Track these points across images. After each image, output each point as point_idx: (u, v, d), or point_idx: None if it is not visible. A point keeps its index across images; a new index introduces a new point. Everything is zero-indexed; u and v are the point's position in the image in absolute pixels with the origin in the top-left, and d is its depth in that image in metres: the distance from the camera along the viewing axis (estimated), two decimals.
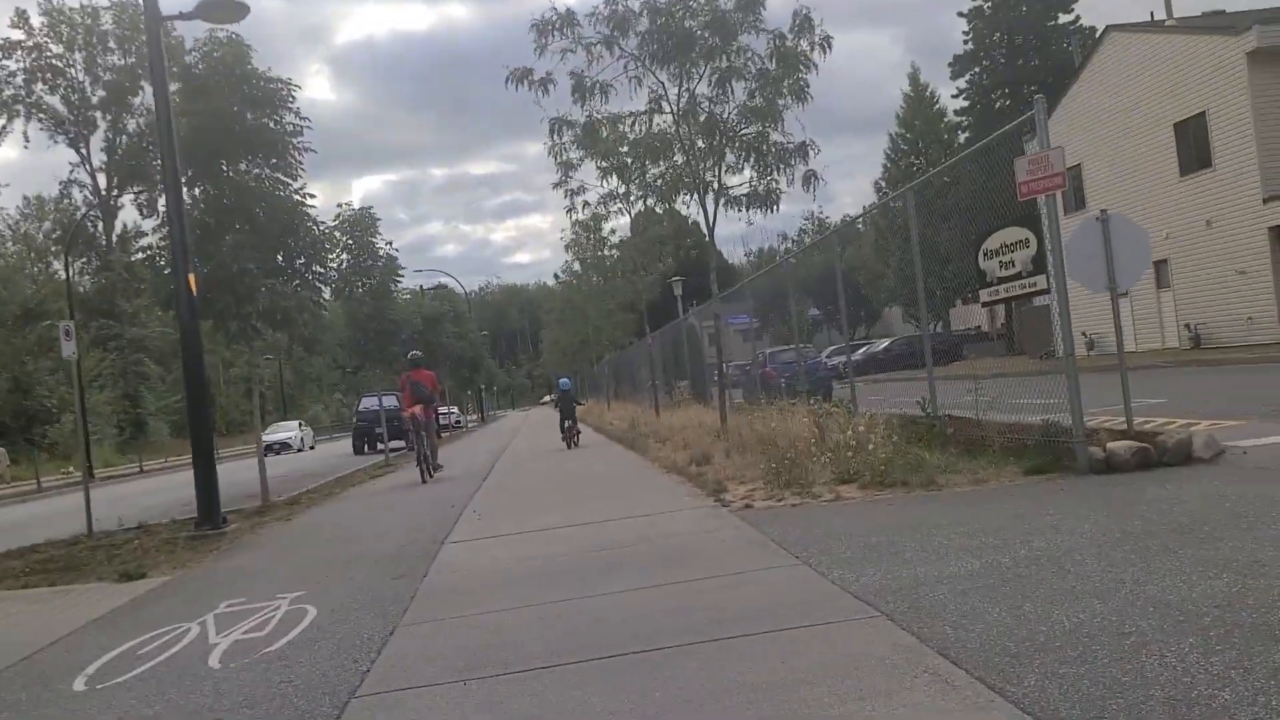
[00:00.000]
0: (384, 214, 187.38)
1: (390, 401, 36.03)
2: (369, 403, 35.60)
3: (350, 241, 22.47)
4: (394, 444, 35.25)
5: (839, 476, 8.78)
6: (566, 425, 20.06)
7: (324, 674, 4.53)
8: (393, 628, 5.29)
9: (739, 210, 14.84)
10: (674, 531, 7.30)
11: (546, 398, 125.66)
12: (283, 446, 40.68)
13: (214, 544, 10.02)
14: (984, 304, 9.54)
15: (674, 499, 9.08)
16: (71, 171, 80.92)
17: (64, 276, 63.53)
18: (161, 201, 13.77)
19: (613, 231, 28.02)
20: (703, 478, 10.03)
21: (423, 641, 4.93)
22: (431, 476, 15.99)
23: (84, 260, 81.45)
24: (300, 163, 14.50)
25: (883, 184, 62.69)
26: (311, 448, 43.30)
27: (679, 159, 16.49)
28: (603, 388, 54.29)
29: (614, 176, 22.64)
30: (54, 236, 79.49)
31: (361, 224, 22.55)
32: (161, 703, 4.38)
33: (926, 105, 60.93)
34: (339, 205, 22.26)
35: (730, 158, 15.45)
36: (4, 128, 75.08)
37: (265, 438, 31.70)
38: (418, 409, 16.34)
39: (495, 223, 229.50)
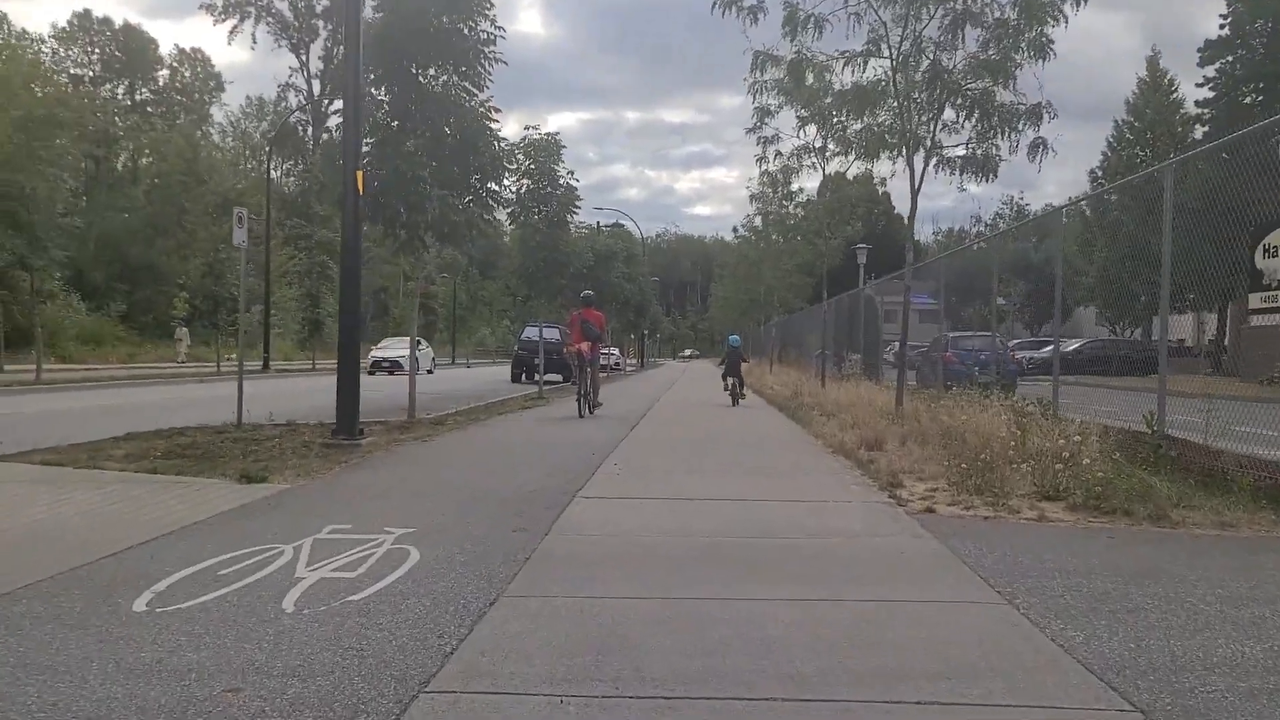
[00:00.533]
0: (573, 152, 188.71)
1: (551, 334, 36.08)
2: (531, 332, 35.67)
3: (532, 166, 21.95)
4: (549, 376, 35.36)
5: (1041, 491, 7.39)
6: (730, 382, 19.71)
7: (400, 646, 3.70)
8: (495, 596, 4.43)
9: (950, 174, 13.25)
10: (840, 529, 6.17)
11: (686, 351, 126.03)
12: (393, 365, 35.48)
13: (345, 455, 9.57)
14: (1253, 311, 7.83)
15: (840, 487, 7.91)
16: (290, 76, 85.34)
17: (276, 177, 67.13)
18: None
19: (799, 190, 26.36)
20: (873, 466, 8.80)
21: (524, 624, 4.03)
22: (591, 413, 16.00)
23: (290, 162, 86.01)
24: (489, 73, 13.87)
25: (1099, 174, 57.90)
26: (430, 371, 38.81)
27: (884, 117, 15.00)
28: (766, 350, 52.95)
29: (811, 128, 21.31)
30: (268, 136, 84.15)
31: (546, 150, 21.96)
32: (210, 648, 3.66)
33: (1162, 94, 55.64)
34: (526, 128, 21.64)
35: (949, 114, 13.82)
36: (236, 27, 79.12)
37: (374, 353, 31.78)
38: (585, 346, 16.56)
39: (681, 172, 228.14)
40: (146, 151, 73.22)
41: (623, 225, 39.14)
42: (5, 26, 56.35)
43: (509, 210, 22.15)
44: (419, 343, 31.84)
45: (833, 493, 7.55)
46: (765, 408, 19.34)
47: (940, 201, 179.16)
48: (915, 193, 13.47)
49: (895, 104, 13.98)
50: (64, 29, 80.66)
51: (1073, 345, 43.73)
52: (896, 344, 30.72)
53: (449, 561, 5.10)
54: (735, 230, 43.17)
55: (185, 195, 47.48)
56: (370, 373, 28.40)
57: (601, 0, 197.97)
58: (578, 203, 22.61)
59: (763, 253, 39.67)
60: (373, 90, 13.05)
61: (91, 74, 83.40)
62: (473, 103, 13.73)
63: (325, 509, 6.53)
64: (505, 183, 14.72)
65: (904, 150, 13.59)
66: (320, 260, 41.94)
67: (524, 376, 34.99)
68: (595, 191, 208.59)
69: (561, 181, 22.31)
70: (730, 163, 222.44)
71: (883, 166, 17.12)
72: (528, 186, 22.12)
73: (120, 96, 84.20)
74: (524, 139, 21.90)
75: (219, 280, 31.21)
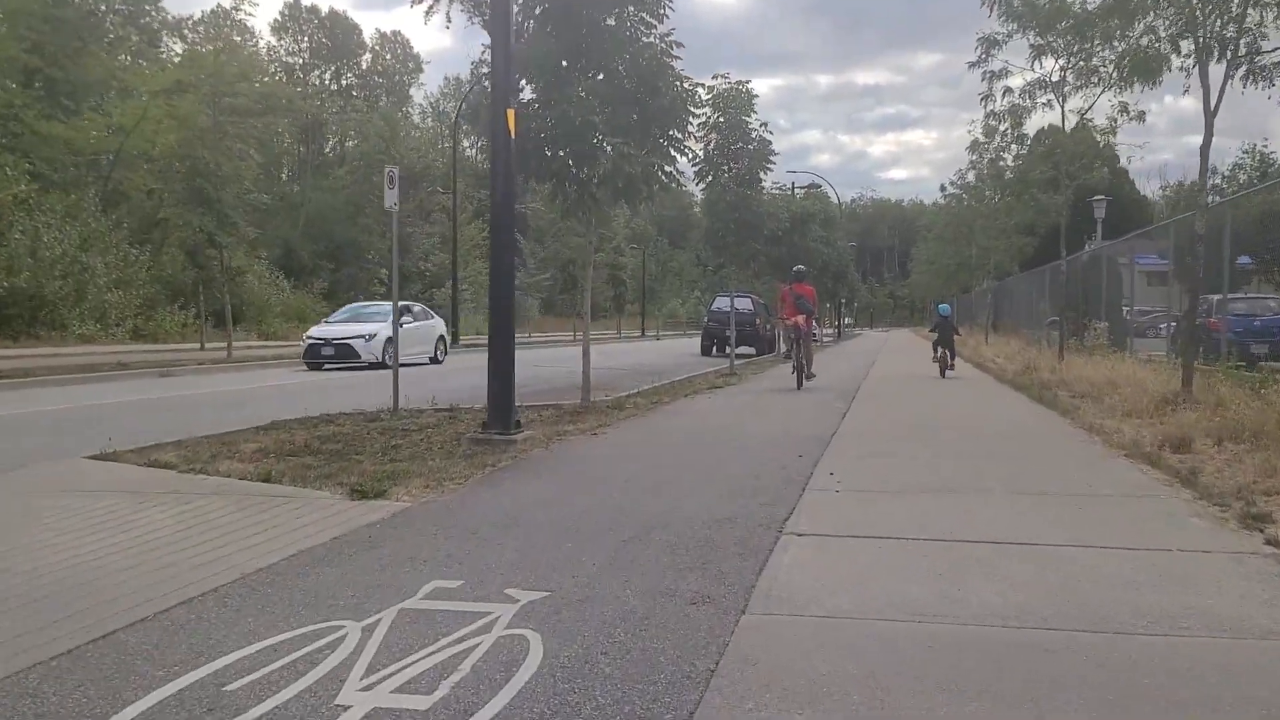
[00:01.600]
0: (766, 119, 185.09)
1: (743, 303, 33.94)
2: (722, 303, 33.64)
3: (721, 120, 19.84)
4: (742, 350, 33.26)
5: None
6: (941, 352, 18.93)
7: None
8: None
9: (1267, 86, 10.11)
10: (1221, 614, 3.75)
11: (886, 329, 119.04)
12: (338, 349, 21.73)
13: (494, 455, 7.90)
14: None
15: (1169, 518, 5.36)
16: (483, 53, 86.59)
17: (468, 153, 68.19)
18: None
19: (1025, 138, 22.83)
20: (1200, 480, 6.25)
21: None
22: (807, 381, 16.04)
23: (483, 139, 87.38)
24: (669, 3, 11.89)
25: None
26: (437, 360, 26.29)
27: (1163, 24, 12.04)
28: (976, 318, 48.69)
29: (1049, 59, 18.13)
30: (465, 115, 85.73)
31: (735, 100, 19.77)
32: None
33: None
34: (714, 76, 19.50)
35: (1254, 14, 10.70)
36: (432, 7, 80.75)
37: (313, 332, 22.80)
38: (800, 318, 16.66)
39: (875, 135, 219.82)
40: (351, 133, 76.19)
41: (819, 187, 36.40)
42: (230, 23, 59.47)
43: (696, 168, 20.19)
44: (412, 312, 24.14)
45: (1165, 531, 5.06)
46: (995, 385, 16.53)
47: (1162, 154, 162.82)
48: (1212, 116, 10.42)
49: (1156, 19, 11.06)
50: (276, 19, 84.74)
51: None
52: (1148, 312, 26.75)
53: (585, 669, 3.18)
54: (943, 188, 39.45)
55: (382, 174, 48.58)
56: (307, 362, 21.79)
57: None
58: (771, 159, 20.29)
59: (975, 211, 35.92)
60: (533, 24, 11.32)
61: (301, 61, 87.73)
62: (651, 36, 11.80)
63: (436, 548, 4.77)
64: (691, 128, 12.64)
65: (1196, 62, 10.57)
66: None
67: (715, 349, 33.12)
68: (787, 159, 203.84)
69: (754, 135, 20.06)
70: (928, 124, 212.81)
71: (1151, 98, 14.05)
72: (716, 141, 20.03)
73: (327, 82, 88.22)
74: (712, 89, 19.82)
75: (406, 255, 30.84)
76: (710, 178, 20.21)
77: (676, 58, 12.06)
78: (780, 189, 30.23)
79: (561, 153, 11.39)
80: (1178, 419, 8.49)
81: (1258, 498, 5.61)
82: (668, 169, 12.36)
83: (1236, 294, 20.73)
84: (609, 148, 11.52)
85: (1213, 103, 10.31)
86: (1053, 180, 29.01)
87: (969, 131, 20.27)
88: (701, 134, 20.09)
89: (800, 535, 5.02)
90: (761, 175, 20.45)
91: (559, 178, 11.73)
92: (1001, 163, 32.70)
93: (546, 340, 46.89)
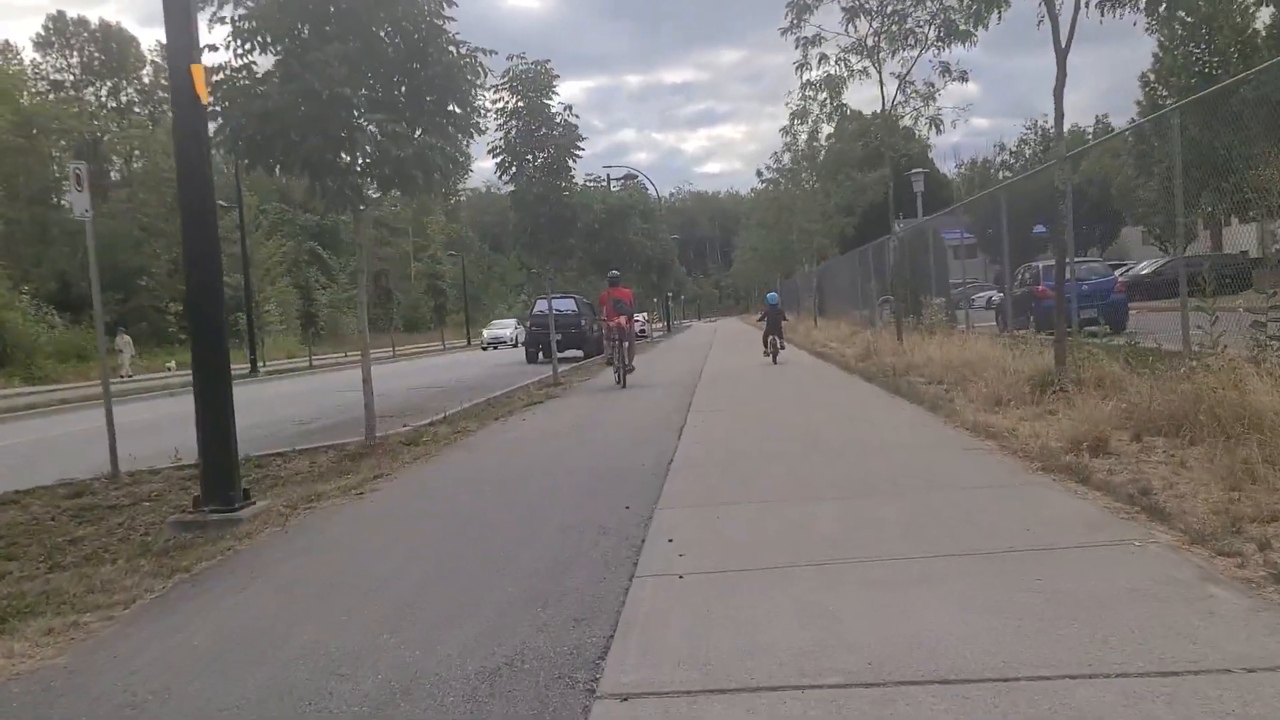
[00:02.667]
0: (581, 120, 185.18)
1: (567, 305, 31.99)
2: (542, 306, 31.59)
3: (521, 105, 17.75)
4: (570, 354, 31.29)
5: None
6: (771, 339, 19.33)
7: None
8: None
9: (1122, 12, 8.84)
10: None
11: (713, 319, 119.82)
12: None
13: (202, 548, 5.55)
14: None
15: (1169, 585, 3.55)
16: None
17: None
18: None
19: (842, 109, 21.73)
20: (1154, 502, 4.64)
21: None
22: (629, 378, 16.57)
23: None
24: None
25: (1150, 77, 52.79)
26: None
27: None
28: (800, 303, 48.63)
29: (863, 22, 17.00)
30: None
31: (535, 82, 17.72)
32: None
33: None
34: (509, 57, 17.37)
35: None
36: (215, 15, 75.04)
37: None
38: (620, 320, 17.11)
39: (688, 131, 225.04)
40: (135, 152, 69.66)
41: (635, 178, 34.81)
42: None
43: (498, 158, 18.05)
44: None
45: (1192, 620, 3.29)
46: (841, 375, 15.16)
47: (949, 137, 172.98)
48: (1064, 54, 9.12)
49: None
50: (39, 34, 77.16)
51: (1144, 267, 38.14)
52: (985, 289, 26.25)
53: None
54: (760, 174, 38.72)
55: (170, 192, 43.75)
56: None
57: None
58: (580, 145, 18.35)
59: (793, 195, 35.33)
60: None
61: (72, 78, 79.90)
62: None
63: None
64: (482, 101, 10.47)
65: None
66: (309, 246, 37.97)
67: (540, 355, 31.01)
68: (605, 158, 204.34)
69: (558, 119, 18.07)
70: (736, 118, 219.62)
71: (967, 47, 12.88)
72: (517, 129, 17.93)
73: (104, 99, 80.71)
74: (507, 71, 17.70)
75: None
76: (514, 169, 18.09)
77: (450, 19, 9.91)
78: (596, 182, 28.45)
79: (313, 136, 9.02)
80: (1077, 411, 7.03)
81: (1257, 530, 4.00)
82: (449, 150, 10.14)
83: (1049, 261, 20.37)
84: (371, 128, 9.26)
85: (1064, 39, 9.03)
86: (872, 155, 28.54)
87: (786, 104, 18.91)
88: (500, 120, 18.02)
89: (625, 697, 2.98)
90: (570, 164, 18.45)
91: (313, 167, 9.36)
92: (816, 144, 32.14)
93: (377, 359, 43.53)
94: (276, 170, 9.40)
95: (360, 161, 9.34)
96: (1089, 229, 69.81)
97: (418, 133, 9.65)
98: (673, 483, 6.56)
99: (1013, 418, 7.71)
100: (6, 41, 57.62)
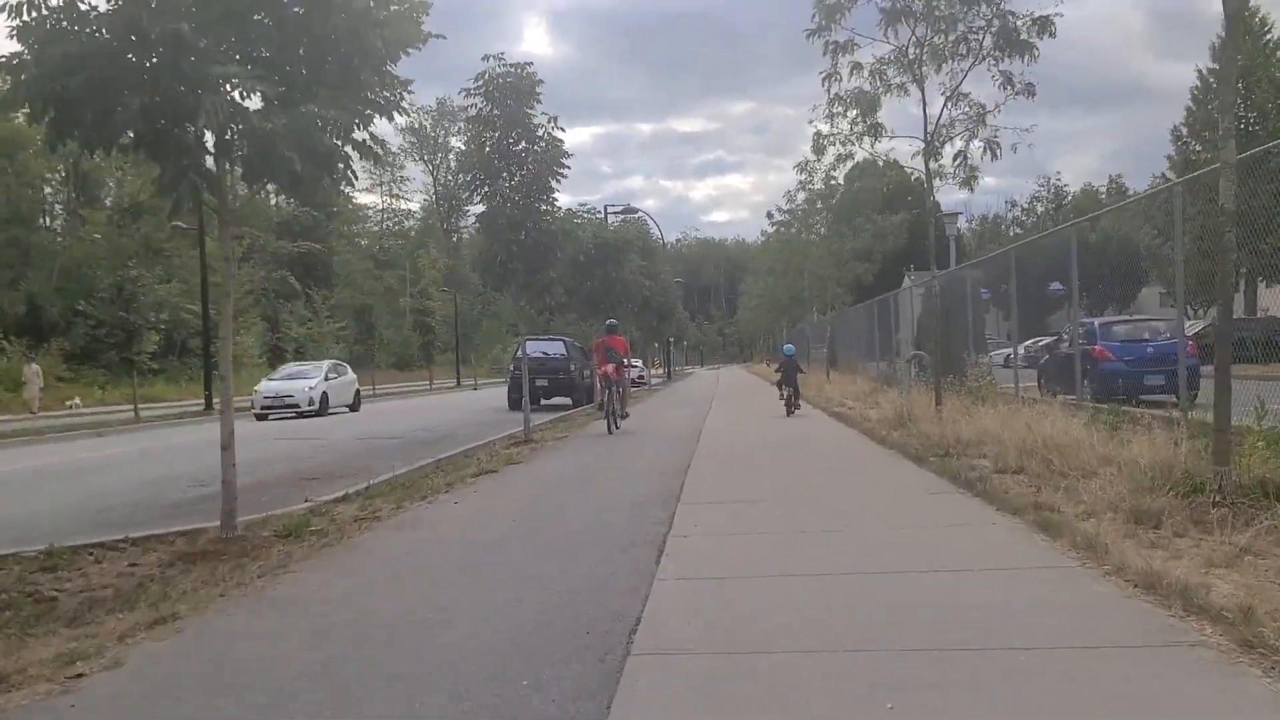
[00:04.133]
0: (588, 165, 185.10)
1: (554, 349, 29.12)
2: (530, 348, 28.72)
3: (496, 113, 15.08)
4: (557, 400, 28.37)
5: None
6: (787, 392, 19.07)
7: None
8: None
9: None
10: None
11: (717, 366, 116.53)
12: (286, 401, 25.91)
13: None
14: None
15: None
16: None
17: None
18: None
19: (880, 129, 18.44)
20: None
21: None
22: (618, 428, 16.38)
23: None
24: None
25: (1182, 130, 50.46)
26: (355, 409, 28.22)
27: None
28: (811, 353, 45.78)
29: (904, 24, 14.37)
30: None
31: (514, 89, 15.07)
32: None
33: (1254, 36, 48.43)
34: (484, 58, 14.75)
35: None
36: None
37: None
38: (610, 368, 17.01)
39: (696, 180, 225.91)
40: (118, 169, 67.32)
41: (636, 214, 32.15)
42: None
43: (467, 176, 15.43)
44: (339, 369, 25.33)
45: None
46: (871, 447, 12.22)
47: (955, 195, 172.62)
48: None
49: None
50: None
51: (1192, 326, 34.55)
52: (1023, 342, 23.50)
53: None
54: (770, 215, 36.10)
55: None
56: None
57: (605, 14, 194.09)
58: (564, 162, 15.64)
59: (804, 242, 32.68)
60: None
61: None
62: None
63: None
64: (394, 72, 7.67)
65: None
66: (278, 275, 35.25)
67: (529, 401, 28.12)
68: (613, 203, 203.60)
69: (540, 132, 15.40)
70: (744, 169, 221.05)
71: None
72: (492, 141, 15.26)
73: None
74: (481, 74, 15.10)
75: (129, 305, 24.46)
76: (486, 187, 15.39)
77: None
78: (591, 213, 25.77)
79: (140, 96, 6.23)
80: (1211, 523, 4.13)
81: None
82: (360, 138, 7.34)
83: (1113, 318, 17.60)
84: (231, 87, 6.48)
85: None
86: (893, 197, 26.07)
87: (811, 122, 16.13)
88: (472, 130, 15.42)
89: None
90: (553, 184, 15.74)
91: (147, 143, 6.57)
92: (834, 181, 29.53)
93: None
94: (97, 147, 6.58)
95: (213, 137, 6.54)
96: (1106, 288, 67.26)
97: (307, 104, 6.86)
98: (643, 671, 3.62)
99: (1194, 559, 4.79)
100: None
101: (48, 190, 58.24)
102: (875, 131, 14.77)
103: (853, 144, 15.25)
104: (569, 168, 15.57)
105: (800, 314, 44.40)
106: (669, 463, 11.06)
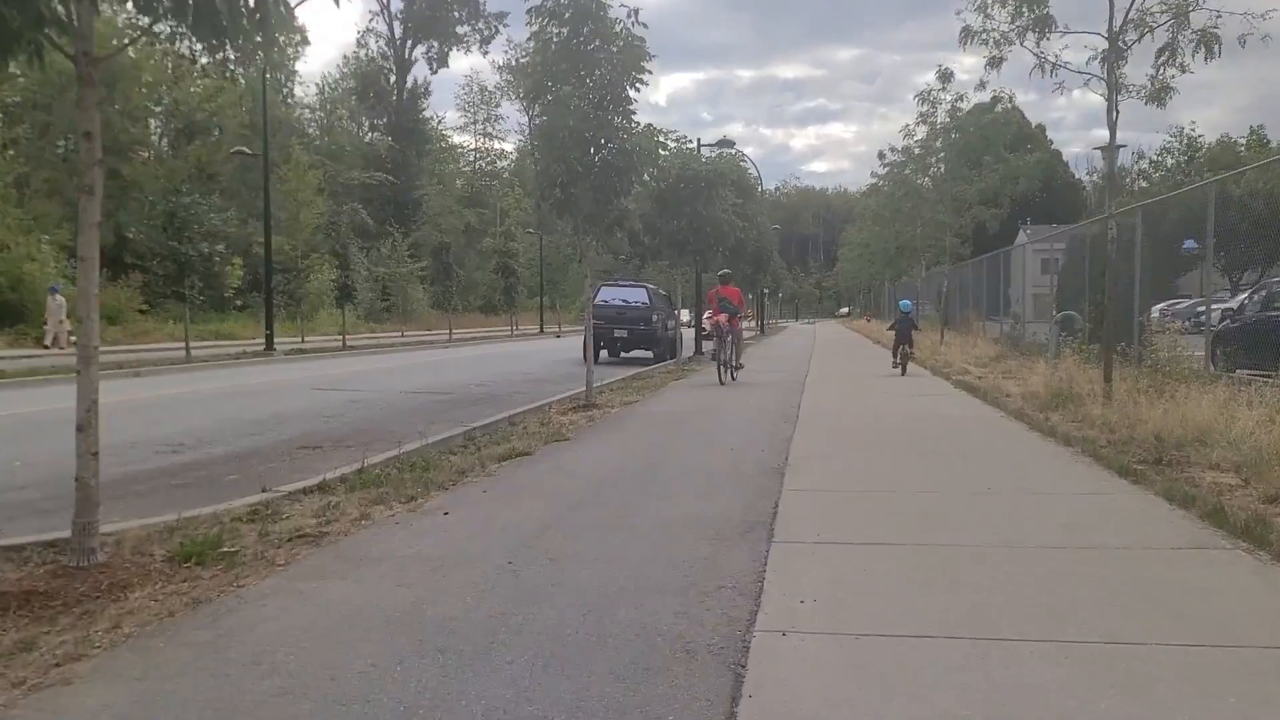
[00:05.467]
0: (689, 113, 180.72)
1: (636, 295, 26.36)
2: (607, 295, 26.08)
3: (564, 2, 12.19)
4: (637, 354, 25.73)
5: None
6: (901, 349, 18.40)
7: None
8: None
9: None
10: None
11: (843, 310, 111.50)
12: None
13: None
14: None
15: None
16: (371, 20, 77.73)
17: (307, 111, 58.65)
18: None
19: (1047, 24, 14.41)
20: None
21: None
22: (733, 379, 16.92)
23: (379, 117, 78.29)
24: None
25: None
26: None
27: None
28: (920, 309, 42.01)
29: None
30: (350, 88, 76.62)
31: None
32: None
33: None
34: None
35: None
36: None
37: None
38: (723, 317, 17.06)
39: (797, 128, 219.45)
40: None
41: (733, 146, 28.79)
42: None
43: (524, 83, 12.74)
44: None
45: None
46: (1024, 435, 9.12)
47: (1071, 148, 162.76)
48: None
49: None
50: None
51: None
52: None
53: None
54: (882, 155, 32.31)
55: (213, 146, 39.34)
56: None
57: None
58: (645, 66, 12.68)
59: (923, 186, 28.97)
60: None
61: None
62: None
63: None
64: None
65: None
66: (350, 207, 33.18)
67: (606, 352, 25.61)
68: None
69: (618, 27, 12.48)
70: (847, 118, 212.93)
71: None
72: (556, 39, 12.43)
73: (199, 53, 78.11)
74: None
75: (180, 234, 22.55)
76: (550, 96, 12.58)
77: None
78: (682, 142, 22.67)
79: None
80: None
81: None
82: None
83: None
84: None
85: None
86: (1026, 137, 22.31)
87: (958, 13, 12.66)
88: (532, 23, 12.65)
89: None
90: (632, 93, 12.82)
91: None
92: (960, 110, 25.79)
93: (429, 342, 38.88)
94: None
95: None
96: (1248, 247, 61.06)
97: None
98: None
99: None
100: None
101: (152, 123, 57.57)
102: (1043, 25, 11.37)
103: (1012, 43, 11.83)
104: (650, 72, 12.63)
105: (906, 267, 40.56)
106: (754, 461, 8.21)
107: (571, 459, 8.27)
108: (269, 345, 26.98)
